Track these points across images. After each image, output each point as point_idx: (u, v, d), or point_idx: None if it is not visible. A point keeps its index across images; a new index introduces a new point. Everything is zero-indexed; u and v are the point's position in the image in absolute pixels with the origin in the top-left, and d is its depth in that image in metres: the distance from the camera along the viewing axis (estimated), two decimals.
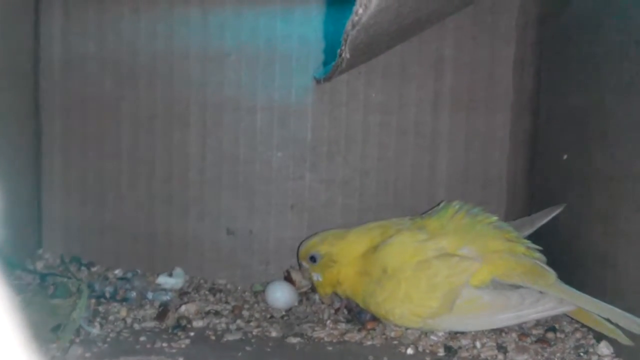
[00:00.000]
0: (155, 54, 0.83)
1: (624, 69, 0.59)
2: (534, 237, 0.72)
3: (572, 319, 0.68)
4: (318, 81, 0.82)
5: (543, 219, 0.75)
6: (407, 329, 0.67)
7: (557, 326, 0.67)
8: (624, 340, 0.58)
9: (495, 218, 0.72)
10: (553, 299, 0.64)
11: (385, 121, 0.85)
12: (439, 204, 0.75)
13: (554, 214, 0.74)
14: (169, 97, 0.84)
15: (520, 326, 0.68)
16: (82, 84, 0.84)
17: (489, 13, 0.83)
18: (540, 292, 0.65)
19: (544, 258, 0.69)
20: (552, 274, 0.67)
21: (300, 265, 0.79)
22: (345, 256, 0.73)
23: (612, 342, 0.60)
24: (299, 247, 0.80)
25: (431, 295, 0.66)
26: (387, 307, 0.67)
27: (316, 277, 0.76)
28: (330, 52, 0.80)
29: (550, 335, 0.65)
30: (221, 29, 0.83)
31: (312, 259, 0.76)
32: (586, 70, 0.68)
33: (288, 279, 0.79)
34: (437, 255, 0.67)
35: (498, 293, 0.65)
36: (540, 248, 0.70)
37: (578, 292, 0.64)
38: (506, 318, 0.65)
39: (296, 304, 0.76)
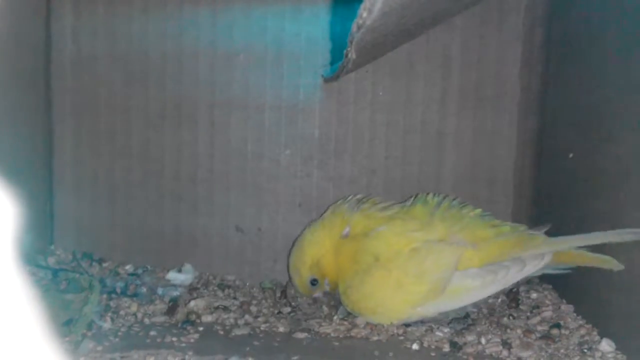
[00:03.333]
0: (164, 54, 0.84)
1: (630, 68, 0.59)
2: None
3: (576, 315, 0.69)
4: (326, 80, 0.82)
5: None
6: (407, 326, 0.68)
7: (561, 323, 0.67)
8: (617, 266, 0.60)
9: (479, 210, 0.73)
10: (535, 257, 0.67)
11: (392, 119, 0.85)
12: (410, 197, 0.76)
13: None
14: (178, 95, 0.85)
15: (525, 322, 0.68)
16: (93, 83, 0.85)
17: (496, 12, 0.83)
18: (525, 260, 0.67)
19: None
20: (540, 234, 0.69)
21: (316, 300, 0.76)
22: (322, 246, 0.73)
23: (614, 339, 0.60)
24: (291, 290, 0.78)
25: (421, 280, 0.67)
26: (377, 298, 0.68)
27: (327, 284, 0.74)
28: (338, 52, 0.80)
29: (554, 331, 0.65)
30: (230, 29, 0.84)
31: (313, 282, 0.74)
32: (592, 70, 0.68)
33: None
34: (426, 243, 0.68)
35: (485, 272, 0.67)
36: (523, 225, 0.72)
37: (569, 237, 0.67)
38: (494, 288, 0.68)
39: None
